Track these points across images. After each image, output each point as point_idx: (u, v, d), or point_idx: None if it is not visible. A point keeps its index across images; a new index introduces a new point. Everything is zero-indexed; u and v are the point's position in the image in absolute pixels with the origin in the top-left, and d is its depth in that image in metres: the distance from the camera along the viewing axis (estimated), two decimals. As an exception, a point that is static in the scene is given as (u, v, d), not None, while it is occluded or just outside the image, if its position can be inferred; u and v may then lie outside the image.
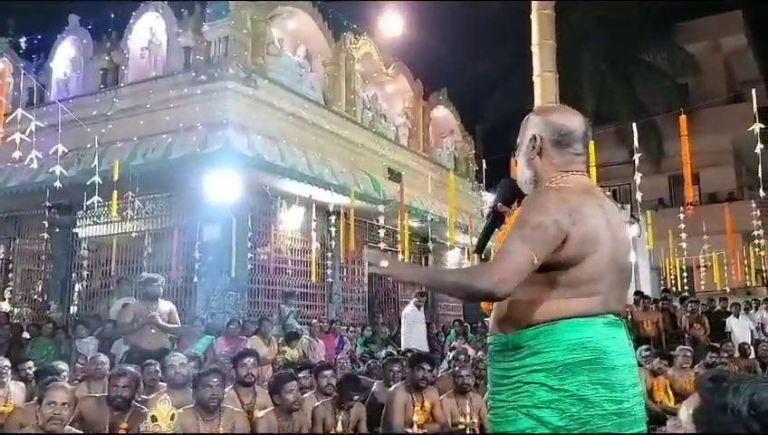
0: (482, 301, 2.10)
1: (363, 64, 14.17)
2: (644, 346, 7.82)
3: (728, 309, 12.66)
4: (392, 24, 14.30)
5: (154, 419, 4.22)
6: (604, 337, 1.98)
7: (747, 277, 18.45)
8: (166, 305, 7.56)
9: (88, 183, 8.40)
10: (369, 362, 8.40)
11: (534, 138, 2.17)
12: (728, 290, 16.00)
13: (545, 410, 1.94)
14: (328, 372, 5.62)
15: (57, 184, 8.11)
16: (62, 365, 6.25)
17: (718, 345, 8.89)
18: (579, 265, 1.97)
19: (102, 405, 4.66)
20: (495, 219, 2.38)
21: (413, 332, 10.00)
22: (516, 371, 2.02)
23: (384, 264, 2.07)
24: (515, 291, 1.98)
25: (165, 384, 5.57)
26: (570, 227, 1.95)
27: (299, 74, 12.14)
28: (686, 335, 10.92)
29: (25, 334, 9.60)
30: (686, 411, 1.52)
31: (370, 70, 14.66)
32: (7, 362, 5.90)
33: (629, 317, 10.12)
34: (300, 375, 5.78)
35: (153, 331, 7.17)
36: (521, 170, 2.25)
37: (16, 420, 4.51)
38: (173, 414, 4.28)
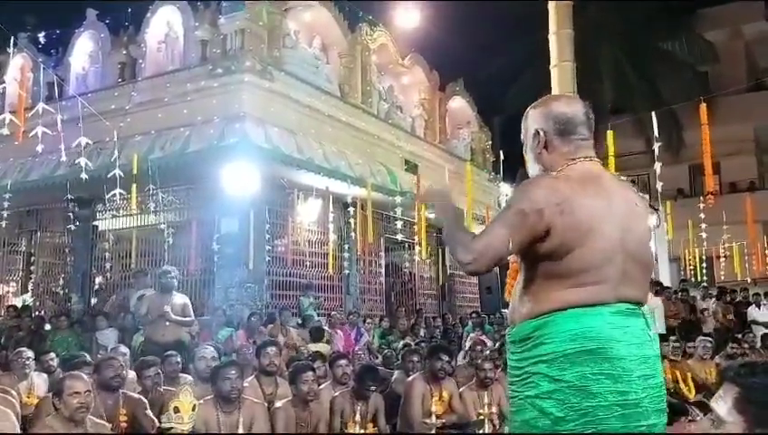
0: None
1: (379, 56, 14.13)
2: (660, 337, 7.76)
3: (749, 299, 12.55)
4: (408, 15, 14.23)
5: (176, 410, 4.25)
6: (611, 326, 1.95)
7: (768, 267, 18.21)
8: (180, 298, 7.62)
9: (108, 176, 8.47)
10: (387, 352, 8.42)
11: (537, 133, 2.17)
12: (749, 280, 15.83)
13: (547, 400, 1.94)
14: (342, 362, 5.65)
15: (84, 176, 8.17)
16: (86, 357, 6.33)
17: (740, 336, 8.81)
18: (571, 255, 1.96)
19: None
20: None
21: None
22: (524, 362, 2.03)
23: (438, 197, 2.36)
24: (524, 284, 2.07)
25: (186, 376, 5.61)
26: (555, 218, 1.94)
27: (315, 66, 12.14)
28: (707, 325, 10.84)
29: (47, 326, 9.73)
30: (724, 406, 1.47)
31: (386, 61, 14.62)
32: (31, 354, 5.99)
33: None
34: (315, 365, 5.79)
35: (167, 323, 7.24)
36: (529, 166, 2.25)
37: (40, 411, 4.58)
38: (194, 405, 4.31)
